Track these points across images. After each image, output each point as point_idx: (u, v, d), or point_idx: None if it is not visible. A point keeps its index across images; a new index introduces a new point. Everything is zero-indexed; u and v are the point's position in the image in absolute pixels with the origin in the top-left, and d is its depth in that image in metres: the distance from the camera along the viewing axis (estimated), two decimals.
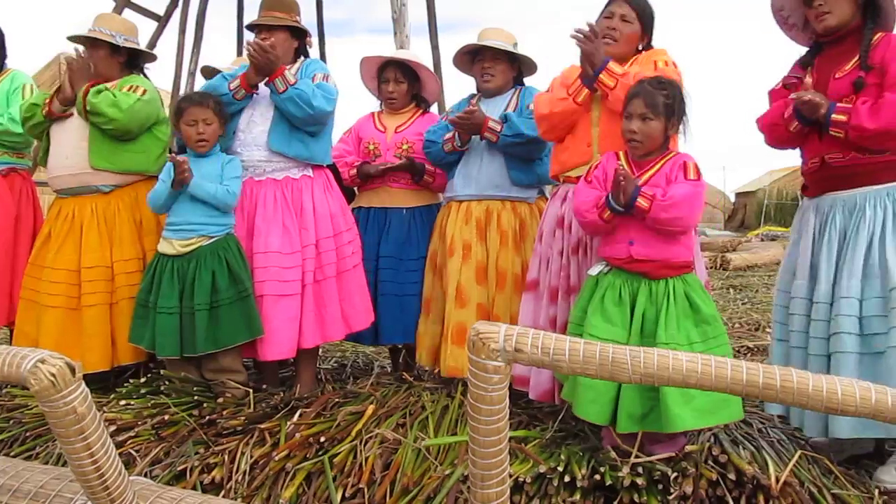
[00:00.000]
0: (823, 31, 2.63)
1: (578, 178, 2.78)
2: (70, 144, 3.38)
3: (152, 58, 3.73)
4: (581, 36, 2.73)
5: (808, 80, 2.61)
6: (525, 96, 3.41)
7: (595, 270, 2.63)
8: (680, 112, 2.56)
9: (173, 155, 3.10)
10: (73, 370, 1.44)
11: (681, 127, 2.60)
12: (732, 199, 33.09)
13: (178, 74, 7.18)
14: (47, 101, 3.40)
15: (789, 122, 2.63)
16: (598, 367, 1.40)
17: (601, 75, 2.73)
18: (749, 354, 4.69)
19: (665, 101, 2.51)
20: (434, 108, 4.04)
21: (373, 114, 3.84)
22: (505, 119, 3.30)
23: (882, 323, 2.44)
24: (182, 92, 6.35)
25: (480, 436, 1.44)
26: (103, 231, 3.38)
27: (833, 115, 2.48)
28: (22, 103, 3.53)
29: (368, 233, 3.61)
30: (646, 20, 2.92)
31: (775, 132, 2.73)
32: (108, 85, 3.36)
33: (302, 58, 3.46)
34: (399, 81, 3.68)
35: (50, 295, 3.33)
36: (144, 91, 3.37)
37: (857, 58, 2.55)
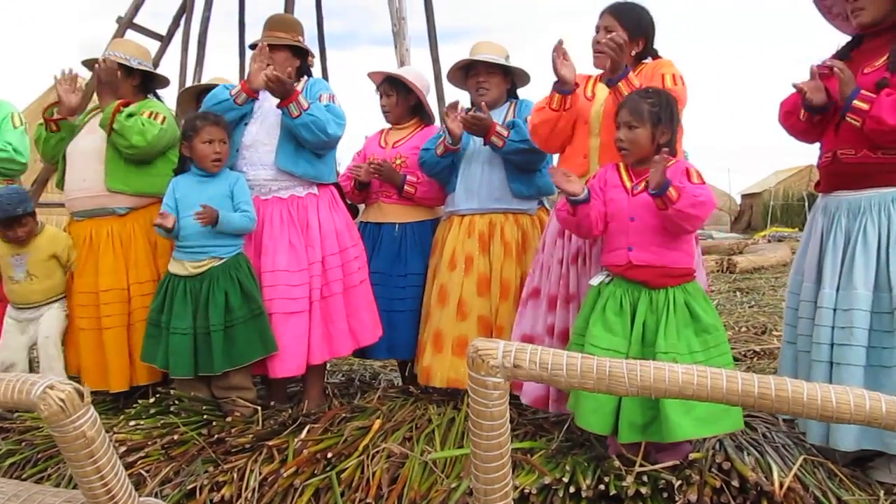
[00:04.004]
0: (858, 27, 2.57)
1: None
2: (87, 167, 3.44)
3: (165, 82, 3.78)
4: (613, 44, 2.69)
5: (812, 70, 2.53)
6: (521, 109, 3.44)
7: (596, 280, 2.65)
8: (668, 119, 2.54)
9: (198, 211, 3.08)
10: (81, 395, 1.47)
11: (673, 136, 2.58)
12: (738, 200, 33.05)
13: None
14: (45, 117, 3.47)
15: (798, 109, 2.59)
16: (595, 381, 1.42)
17: (620, 84, 2.71)
18: (756, 358, 4.64)
19: (650, 108, 2.52)
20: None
21: (382, 131, 3.87)
22: (512, 126, 3.32)
23: (889, 338, 2.41)
24: None
25: (482, 451, 1.46)
26: (119, 254, 3.43)
27: (854, 101, 2.39)
28: (35, 132, 3.59)
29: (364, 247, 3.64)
30: (631, 27, 2.88)
31: (789, 120, 2.69)
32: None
33: (305, 77, 3.49)
34: (388, 94, 3.71)
35: (79, 318, 3.44)
36: (164, 119, 3.41)
37: (886, 56, 2.45)
